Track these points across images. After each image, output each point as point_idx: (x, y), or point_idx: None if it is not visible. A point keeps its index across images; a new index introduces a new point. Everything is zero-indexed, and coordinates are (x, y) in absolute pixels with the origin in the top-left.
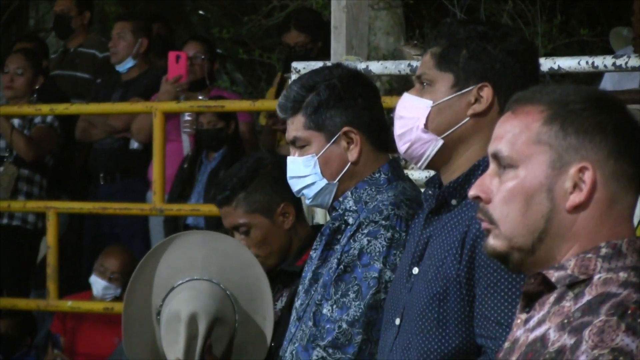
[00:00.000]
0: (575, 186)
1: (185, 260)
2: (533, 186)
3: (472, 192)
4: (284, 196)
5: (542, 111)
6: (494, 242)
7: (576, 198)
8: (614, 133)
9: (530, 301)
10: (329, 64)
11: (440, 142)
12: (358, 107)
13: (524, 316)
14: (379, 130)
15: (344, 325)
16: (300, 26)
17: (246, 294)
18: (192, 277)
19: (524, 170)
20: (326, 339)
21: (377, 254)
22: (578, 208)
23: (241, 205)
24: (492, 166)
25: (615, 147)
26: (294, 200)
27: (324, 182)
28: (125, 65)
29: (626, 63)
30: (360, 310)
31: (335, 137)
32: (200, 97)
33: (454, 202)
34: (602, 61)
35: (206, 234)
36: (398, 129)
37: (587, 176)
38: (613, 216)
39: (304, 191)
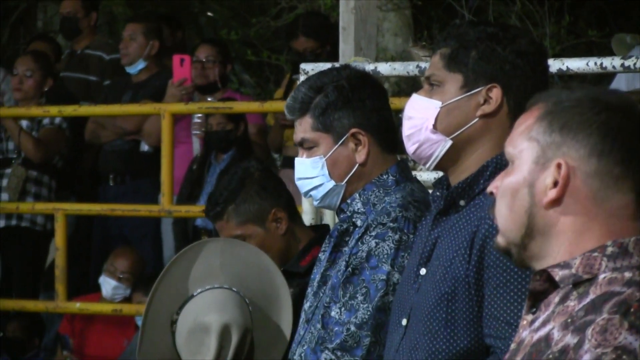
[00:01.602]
0: (556, 183)
1: (204, 268)
2: (518, 181)
3: (488, 189)
4: (274, 202)
5: (540, 109)
6: (498, 237)
7: (551, 194)
8: (599, 131)
9: (536, 301)
10: (337, 65)
11: (449, 143)
12: (366, 108)
13: (530, 317)
14: (387, 131)
15: (352, 328)
16: (308, 32)
17: (264, 302)
18: (212, 285)
19: (517, 167)
20: (334, 341)
21: (385, 256)
22: (554, 204)
23: (232, 218)
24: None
25: (599, 146)
26: (285, 204)
27: (332, 183)
28: (136, 67)
29: (634, 64)
30: (369, 313)
31: (343, 138)
32: (209, 99)
33: (462, 202)
34: (610, 62)
35: (225, 242)
36: (407, 129)
37: (562, 172)
38: (603, 215)
39: (312, 192)
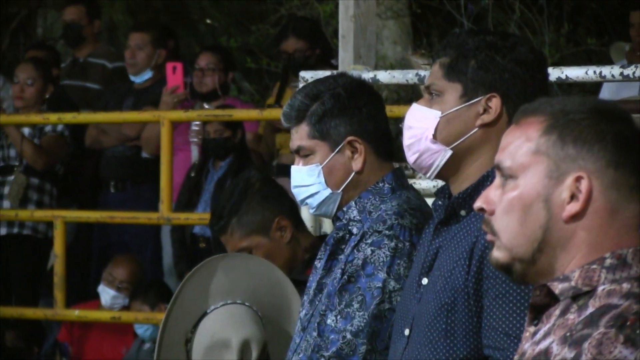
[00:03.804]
0: (573, 196)
1: (215, 285)
2: (530, 196)
3: (476, 204)
4: (277, 211)
5: (543, 121)
6: (497, 253)
7: (572, 208)
8: (614, 142)
9: (538, 313)
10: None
11: (449, 153)
12: (362, 116)
13: (532, 329)
14: (383, 139)
15: (348, 336)
16: (298, 33)
17: (276, 315)
18: (225, 301)
19: (523, 181)
20: (330, 349)
21: (381, 263)
22: (575, 218)
23: (236, 230)
24: (497, 177)
25: (614, 157)
26: (289, 212)
27: (328, 191)
28: (143, 77)
29: (634, 73)
30: (365, 321)
31: (340, 146)
32: (206, 107)
33: (463, 212)
34: (609, 71)
35: (235, 257)
36: (407, 139)
37: (583, 186)
38: (615, 226)
39: (308, 200)
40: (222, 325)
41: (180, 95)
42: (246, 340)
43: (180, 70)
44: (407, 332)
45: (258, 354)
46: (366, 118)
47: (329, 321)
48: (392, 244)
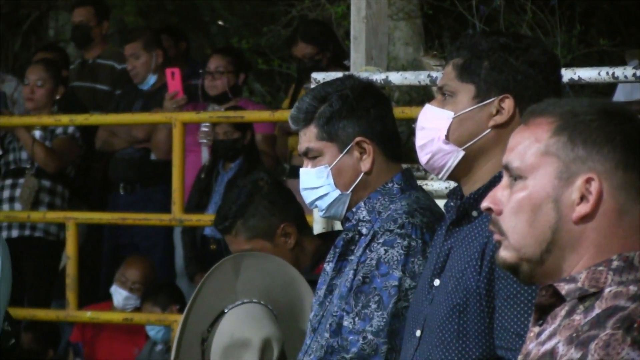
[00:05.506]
0: (583, 197)
1: (231, 284)
2: (540, 197)
3: (484, 204)
4: (283, 217)
5: (552, 122)
6: (504, 253)
7: (582, 209)
8: (623, 144)
9: (542, 314)
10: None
11: (462, 154)
12: (370, 117)
13: (536, 329)
14: (391, 140)
15: (369, 336)
16: (306, 38)
17: (291, 314)
18: (241, 300)
19: (532, 181)
20: (351, 350)
21: (396, 262)
22: (584, 219)
23: (241, 232)
24: (505, 178)
25: (623, 158)
26: (294, 218)
27: (337, 192)
28: (148, 83)
29: None
30: (385, 320)
31: (348, 147)
32: (215, 108)
33: (474, 213)
34: (622, 72)
35: (250, 256)
36: (419, 140)
37: (594, 187)
38: (623, 228)
39: (317, 202)
40: (242, 324)
41: (180, 100)
42: (267, 339)
43: (179, 75)
44: (418, 333)
45: (279, 352)
46: (374, 119)
47: (345, 323)
48: (405, 242)
